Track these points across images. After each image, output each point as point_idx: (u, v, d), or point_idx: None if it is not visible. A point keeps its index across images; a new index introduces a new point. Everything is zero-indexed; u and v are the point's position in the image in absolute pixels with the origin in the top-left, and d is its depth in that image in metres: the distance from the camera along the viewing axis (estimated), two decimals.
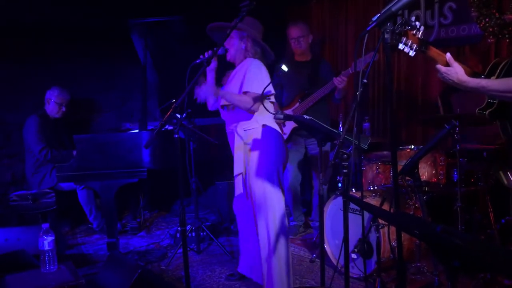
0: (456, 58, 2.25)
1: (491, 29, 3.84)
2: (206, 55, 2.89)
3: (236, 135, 3.14)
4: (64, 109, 4.74)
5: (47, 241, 2.74)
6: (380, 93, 5.08)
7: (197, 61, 2.86)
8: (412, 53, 2.14)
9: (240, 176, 3.13)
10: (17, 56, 4.99)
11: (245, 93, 3.02)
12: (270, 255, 3.03)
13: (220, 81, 3.27)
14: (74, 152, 4.39)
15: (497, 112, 2.51)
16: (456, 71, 2.16)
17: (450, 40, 4.27)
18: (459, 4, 4.20)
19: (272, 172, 3.05)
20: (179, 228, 4.18)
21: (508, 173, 3.14)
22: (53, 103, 4.68)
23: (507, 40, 3.84)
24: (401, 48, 2.12)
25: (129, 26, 4.30)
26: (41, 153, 4.45)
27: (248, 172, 3.08)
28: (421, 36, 2.11)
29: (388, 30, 1.70)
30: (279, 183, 3.07)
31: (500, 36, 3.83)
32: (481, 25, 3.91)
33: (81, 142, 3.88)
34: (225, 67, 3.25)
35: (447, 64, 2.20)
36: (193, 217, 4.24)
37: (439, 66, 2.21)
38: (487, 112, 2.54)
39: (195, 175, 4.15)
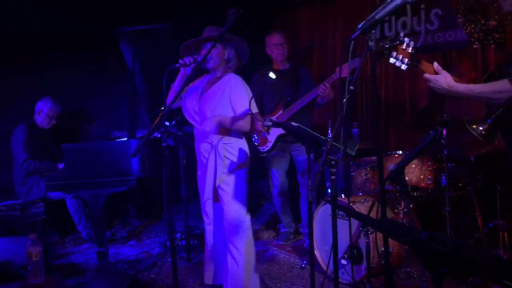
0: (443, 63, 2.30)
1: (476, 35, 3.89)
2: (187, 60, 2.90)
3: (206, 146, 3.15)
4: (54, 121, 4.65)
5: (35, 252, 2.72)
6: (368, 98, 5.10)
7: (176, 65, 2.88)
8: (404, 67, 2.19)
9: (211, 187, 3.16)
10: (3, 64, 4.93)
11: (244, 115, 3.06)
12: (249, 274, 3.13)
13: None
14: (59, 164, 4.36)
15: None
16: (445, 77, 2.25)
17: (437, 46, 4.31)
18: (445, 10, 4.24)
19: (244, 191, 3.15)
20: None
21: None
22: (44, 115, 4.56)
23: (492, 46, 3.89)
24: (393, 62, 2.16)
25: (117, 34, 4.29)
26: (24, 164, 4.36)
27: (222, 189, 3.13)
28: (411, 51, 2.15)
29: (372, 38, 1.71)
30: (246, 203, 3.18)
31: (485, 42, 3.88)
32: (467, 30, 3.96)
33: (70, 151, 3.85)
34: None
35: (435, 74, 2.26)
36: (183, 225, 4.22)
37: (427, 76, 2.27)
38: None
39: (184, 183, 4.14)
